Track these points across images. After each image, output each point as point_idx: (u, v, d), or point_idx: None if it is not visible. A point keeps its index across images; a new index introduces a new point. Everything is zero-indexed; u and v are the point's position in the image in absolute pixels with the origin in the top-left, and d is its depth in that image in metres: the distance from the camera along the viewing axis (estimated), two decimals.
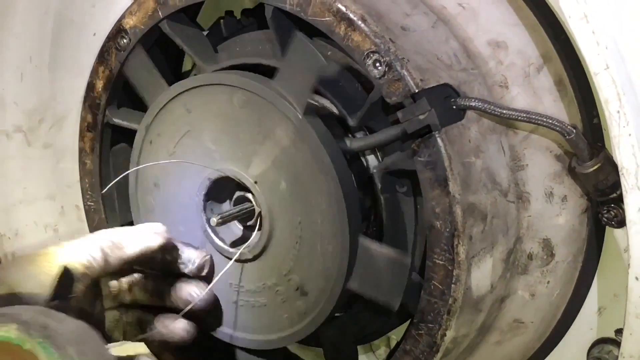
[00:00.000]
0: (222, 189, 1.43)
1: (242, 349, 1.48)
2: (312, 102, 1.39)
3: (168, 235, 1.33)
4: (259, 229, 1.37)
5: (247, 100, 1.34)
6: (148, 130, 1.49)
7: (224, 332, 1.46)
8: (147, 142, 1.51)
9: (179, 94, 1.43)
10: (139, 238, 1.30)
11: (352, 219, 1.27)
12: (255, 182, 1.35)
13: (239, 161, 1.37)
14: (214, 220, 1.37)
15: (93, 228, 1.71)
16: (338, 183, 1.26)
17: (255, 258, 1.38)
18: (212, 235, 1.43)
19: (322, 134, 1.28)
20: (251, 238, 1.38)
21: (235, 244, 1.43)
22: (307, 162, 1.29)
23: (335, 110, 1.35)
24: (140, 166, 1.49)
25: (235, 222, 1.44)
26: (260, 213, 1.36)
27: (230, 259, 1.39)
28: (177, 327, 1.34)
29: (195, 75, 1.57)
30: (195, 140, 1.43)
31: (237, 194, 1.42)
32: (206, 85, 1.39)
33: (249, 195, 1.38)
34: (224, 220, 1.38)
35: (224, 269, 1.37)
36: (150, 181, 1.50)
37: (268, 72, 1.39)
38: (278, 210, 1.34)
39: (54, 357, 0.90)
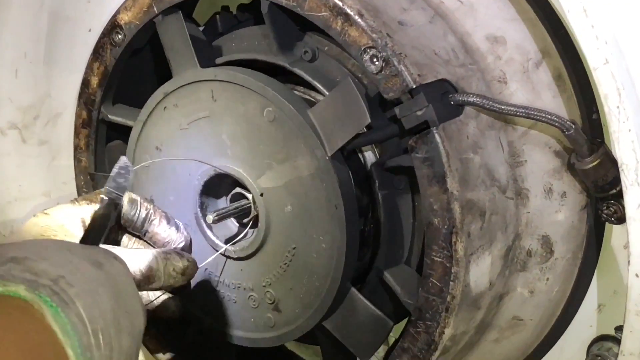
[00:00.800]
0: (222, 182, 1.42)
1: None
2: (309, 98, 1.39)
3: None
4: (253, 228, 1.37)
5: (278, 117, 1.31)
6: (165, 97, 1.45)
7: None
8: (160, 107, 1.47)
9: (209, 80, 1.40)
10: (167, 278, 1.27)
11: (347, 268, 1.28)
12: (262, 195, 1.34)
13: (251, 168, 1.36)
14: (210, 217, 1.36)
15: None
16: (345, 234, 1.26)
17: (239, 259, 1.39)
18: (204, 226, 1.43)
19: (343, 181, 1.27)
20: (242, 236, 1.40)
21: (227, 241, 1.42)
22: (319, 202, 1.28)
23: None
24: (141, 165, 1.47)
25: (231, 219, 1.43)
26: (257, 216, 1.37)
27: (216, 250, 1.41)
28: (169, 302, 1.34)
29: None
30: (212, 127, 1.41)
31: (235, 190, 1.41)
32: (239, 85, 1.36)
33: (247, 194, 1.37)
34: (220, 217, 1.37)
35: (208, 259, 1.39)
36: (153, 143, 1.49)
37: (264, 68, 1.39)
38: (276, 228, 1.34)
39: (59, 316, 0.91)
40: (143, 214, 1.30)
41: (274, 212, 1.33)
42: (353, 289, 1.31)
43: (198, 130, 1.42)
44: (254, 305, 1.38)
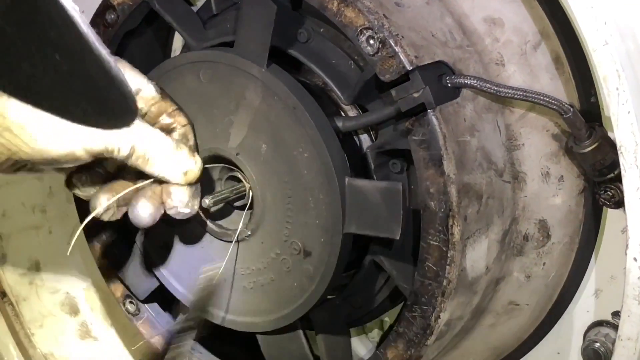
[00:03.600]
0: (211, 170, 1.41)
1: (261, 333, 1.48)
2: (305, 80, 1.38)
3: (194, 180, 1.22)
4: (250, 207, 1.36)
5: (212, 73, 1.33)
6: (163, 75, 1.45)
7: (240, 321, 1.46)
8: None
9: (194, 61, 1.39)
10: (167, 171, 1.19)
11: (336, 161, 1.25)
12: (237, 154, 1.34)
13: (217, 137, 1.36)
14: (205, 201, 1.34)
15: (81, 209, 1.69)
16: (314, 126, 1.24)
17: (253, 233, 1.37)
18: (207, 221, 1.42)
19: (288, 81, 1.27)
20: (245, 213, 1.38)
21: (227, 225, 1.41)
22: (280, 115, 1.28)
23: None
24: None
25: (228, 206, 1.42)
26: (250, 189, 1.35)
27: (230, 241, 1.39)
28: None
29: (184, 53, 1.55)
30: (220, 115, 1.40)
31: (228, 175, 1.40)
32: (171, 70, 1.38)
33: (238, 174, 1.36)
34: (216, 201, 1.35)
35: (229, 250, 1.38)
36: None
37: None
38: (265, 175, 1.33)
39: None
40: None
41: (256, 161, 1.33)
42: (348, 177, 1.26)
43: (229, 107, 1.39)
44: (288, 268, 1.35)
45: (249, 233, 1.37)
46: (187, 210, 1.23)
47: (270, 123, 1.29)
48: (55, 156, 1.05)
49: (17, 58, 0.78)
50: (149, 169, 1.17)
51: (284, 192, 1.31)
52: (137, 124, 1.13)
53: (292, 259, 1.33)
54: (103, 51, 0.88)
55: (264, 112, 1.29)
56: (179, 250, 1.50)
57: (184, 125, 1.25)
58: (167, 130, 1.23)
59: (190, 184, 1.21)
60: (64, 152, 1.06)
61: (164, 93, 1.24)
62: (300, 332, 1.43)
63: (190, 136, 1.26)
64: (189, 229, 1.45)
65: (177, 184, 1.20)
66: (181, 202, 1.22)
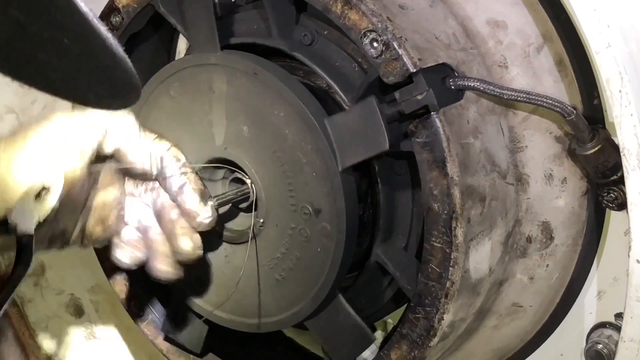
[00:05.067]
0: (212, 178, 1.42)
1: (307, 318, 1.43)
2: (308, 82, 1.38)
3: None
4: (256, 208, 1.36)
5: (179, 84, 1.38)
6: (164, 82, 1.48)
7: (286, 317, 1.43)
8: (158, 92, 1.49)
9: (159, 84, 1.45)
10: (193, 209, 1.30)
11: (309, 106, 1.27)
12: (226, 148, 1.35)
13: (204, 142, 1.38)
14: (210, 203, 1.35)
15: None
16: (278, 81, 1.27)
17: (265, 221, 1.36)
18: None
19: (243, 54, 1.33)
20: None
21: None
22: (246, 88, 1.31)
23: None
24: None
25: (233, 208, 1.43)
26: (252, 183, 1.36)
27: (251, 238, 1.39)
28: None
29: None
30: (215, 113, 1.41)
31: (230, 177, 1.41)
32: (148, 98, 1.43)
33: (239, 175, 1.37)
34: (220, 204, 1.36)
35: (246, 248, 1.38)
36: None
37: (264, 52, 1.38)
38: (256, 156, 1.34)
39: None
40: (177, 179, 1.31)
41: (244, 147, 1.35)
42: (327, 118, 1.26)
43: (204, 110, 1.41)
44: (306, 238, 1.33)
45: (262, 222, 1.36)
46: (208, 214, 1.31)
47: (242, 102, 1.31)
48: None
49: (32, 47, 0.79)
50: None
51: (277, 163, 1.31)
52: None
53: (307, 224, 1.32)
54: (103, 29, 0.89)
55: (233, 94, 1.32)
56: (209, 275, 1.50)
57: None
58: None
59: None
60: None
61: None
62: (341, 297, 1.38)
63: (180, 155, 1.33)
64: (208, 248, 1.43)
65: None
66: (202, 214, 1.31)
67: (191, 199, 1.30)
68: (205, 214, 1.31)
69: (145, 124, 1.37)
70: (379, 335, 1.83)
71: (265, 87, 1.28)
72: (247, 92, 1.30)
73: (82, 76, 0.85)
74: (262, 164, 1.33)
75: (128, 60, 0.90)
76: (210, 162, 1.39)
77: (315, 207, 1.29)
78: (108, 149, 1.27)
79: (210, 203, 1.32)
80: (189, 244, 1.31)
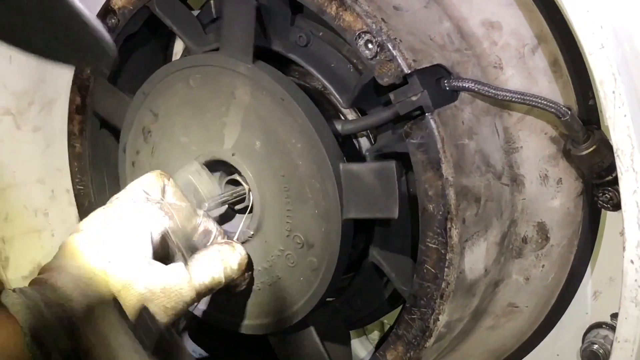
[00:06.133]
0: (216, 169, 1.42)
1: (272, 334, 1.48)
2: (304, 83, 1.38)
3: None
4: (251, 210, 1.36)
5: (201, 77, 1.35)
6: (127, 153, 1.52)
7: (252, 324, 1.46)
8: (129, 166, 1.53)
9: (142, 102, 1.45)
10: (228, 277, 1.30)
11: (328, 147, 1.26)
12: (233, 154, 1.35)
13: (212, 141, 1.38)
14: (205, 205, 1.35)
15: (82, 212, 1.70)
16: (303, 115, 1.26)
17: (255, 233, 1.37)
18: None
19: (274, 74, 1.29)
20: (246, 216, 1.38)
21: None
22: (269, 109, 1.29)
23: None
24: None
25: (227, 208, 1.43)
26: (249, 190, 1.36)
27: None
28: None
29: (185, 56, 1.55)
30: (169, 141, 1.44)
31: (227, 178, 1.41)
32: (162, 81, 1.41)
33: (237, 177, 1.37)
34: (216, 205, 1.36)
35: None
36: (146, 129, 1.50)
37: (258, 53, 1.38)
38: (261, 172, 1.34)
39: None
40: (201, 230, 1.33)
41: (251, 159, 1.35)
42: (341, 163, 1.27)
43: (162, 156, 1.45)
44: (293, 263, 1.35)
45: (252, 233, 1.37)
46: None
47: (261, 118, 1.30)
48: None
49: (11, 12, 0.81)
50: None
51: (282, 186, 1.32)
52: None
53: (296, 253, 1.33)
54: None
55: (254, 108, 1.31)
56: None
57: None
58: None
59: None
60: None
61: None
62: (312, 328, 1.42)
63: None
64: None
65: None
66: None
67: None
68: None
69: (153, 102, 1.42)
70: (375, 335, 1.83)
71: (289, 114, 1.27)
72: (268, 112, 1.29)
73: (51, 38, 0.87)
74: (266, 181, 1.33)
75: (100, 29, 0.92)
76: (214, 161, 1.39)
77: (309, 241, 1.31)
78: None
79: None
80: None
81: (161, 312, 1.18)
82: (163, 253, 1.25)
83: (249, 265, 1.34)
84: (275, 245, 1.36)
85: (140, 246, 1.20)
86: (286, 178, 1.31)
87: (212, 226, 1.32)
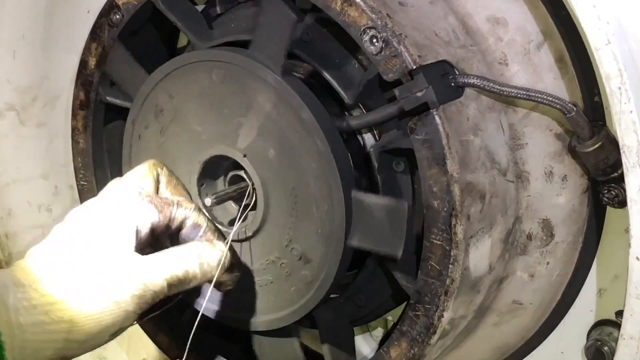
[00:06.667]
0: (215, 168, 1.41)
1: (258, 332, 1.49)
2: (309, 80, 1.38)
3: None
4: (253, 208, 1.36)
5: (225, 73, 1.34)
6: (135, 125, 1.50)
7: (236, 318, 1.47)
8: (135, 138, 1.51)
9: (160, 80, 1.43)
10: (205, 274, 1.26)
11: (343, 174, 1.26)
12: (245, 156, 1.34)
13: (226, 137, 1.37)
14: (208, 200, 1.35)
15: None
16: (324, 139, 1.25)
17: (254, 234, 1.37)
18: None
19: (302, 91, 1.27)
20: (246, 215, 1.38)
21: (231, 223, 1.41)
22: (291, 123, 1.28)
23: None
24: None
25: (230, 202, 1.42)
26: (254, 189, 1.35)
27: (238, 241, 1.39)
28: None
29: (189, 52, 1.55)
30: (181, 125, 1.42)
31: (231, 173, 1.41)
32: (184, 66, 1.39)
33: (242, 174, 1.37)
34: (219, 200, 1.36)
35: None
36: (151, 125, 1.49)
37: None
38: (270, 180, 1.33)
39: None
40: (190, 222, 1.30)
41: (262, 165, 1.34)
42: (354, 191, 1.27)
43: (172, 137, 1.44)
44: (287, 273, 1.35)
45: (250, 234, 1.37)
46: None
47: (280, 130, 1.29)
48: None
49: None
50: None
51: (289, 199, 1.32)
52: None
53: (292, 264, 1.34)
54: None
55: (274, 118, 1.30)
56: None
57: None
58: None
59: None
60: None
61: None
62: (296, 339, 1.45)
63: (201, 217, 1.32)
64: None
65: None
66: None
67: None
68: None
69: (174, 83, 1.41)
70: (379, 332, 1.83)
71: (309, 135, 1.26)
72: (289, 126, 1.29)
73: None
74: (274, 191, 1.33)
75: None
76: (222, 157, 1.39)
77: (307, 256, 1.32)
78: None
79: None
80: None
81: (128, 300, 1.17)
82: (151, 246, 1.25)
83: (234, 265, 1.32)
84: (272, 252, 1.36)
85: (121, 239, 1.20)
86: (295, 192, 1.31)
87: (202, 220, 1.30)
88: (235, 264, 1.32)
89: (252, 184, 1.36)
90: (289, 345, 1.46)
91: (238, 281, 1.33)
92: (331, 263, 1.29)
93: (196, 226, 1.29)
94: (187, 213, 1.28)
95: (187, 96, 1.40)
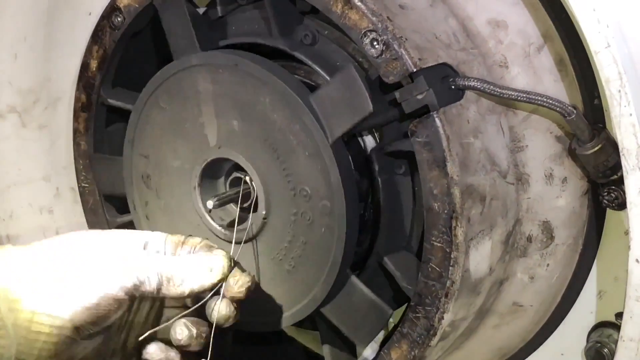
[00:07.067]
0: (220, 165, 1.43)
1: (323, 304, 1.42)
2: (310, 82, 1.38)
3: (225, 270, 1.26)
4: (255, 210, 1.36)
5: (166, 93, 1.43)
6: (137, 208, 1.56)
7: (303, 305, 1.40)
8: (144, 219, 1.56)
9: (132, 149, 1.50)
10: (195, 276, 1.24)
11: (290, 82, 1.28)
12: (219, 147, 1.37)
13: (201, 146, 1.40)
14: (210, 202, 1.35)
15: (88, 209, 1.70)
16: (260, 68, 1.28)
17: (268, 213, 1.36)
18: (214, 224, 1.44)
19: (221, 49, 1.37)
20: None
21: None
22: (230, 82, 1.33)
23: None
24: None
25: (232, 205, 1.43)
26: (251, 180, 1.36)
27: (248, 240, 1.39)
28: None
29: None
30: (166, 174, 1.47)
31: (231, 177, 1.41)
32: (140, 117, 1.47)
33: (241, 174, 1.37)
34: (221, 202, 1.36)
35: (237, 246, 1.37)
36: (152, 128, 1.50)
37: (264, 51, 1.38)
38: (249, 149, 1.34)
39: None
40: None
41: (234, 141, 1.36)
42: (311, 94, 1.27)
43: (194, 114, 1.43)
44: (310, 220, 1.32)
45: (264, 213, 1.36)
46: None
47: (228, 96, 1.33)
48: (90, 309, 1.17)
49: None
50: (181, 288, 1.23)
51: (270, 149, 1.32)
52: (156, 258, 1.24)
53: (308, 207, 1.31)
54: None
55: (218, 92, 1.33)
56: None
57: (199, 243, 1.31)
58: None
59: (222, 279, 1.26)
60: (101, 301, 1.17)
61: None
62: (353, 277, 1.37)
63: (211, 244, 1.32)
64: None
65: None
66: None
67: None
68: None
69: (141, 142, 1.45)
70: (380, 334, 1.83)
71: (248, 76, 1.29)
72: (231, 86, 1.31)
73: None
74: (256, 154, 1.33)
75: None
76: (210, 164, 1.40)
77: (313, 187, 1.29)
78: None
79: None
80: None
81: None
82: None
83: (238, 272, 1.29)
84: (288, 212, 1.34)
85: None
86: (270, 139, 1.31)
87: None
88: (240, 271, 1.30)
89: (248, 177, 1.37)
90: (353, 288, 1.38)
91: (251, 289, 1.29)
92: (332, 171, 1.26)
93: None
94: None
95: (155, 144, 1.45)
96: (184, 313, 1.27)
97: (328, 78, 1.36)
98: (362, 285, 1.36)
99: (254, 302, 1.37)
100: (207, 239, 1.33)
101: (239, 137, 1.34)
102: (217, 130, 1.36)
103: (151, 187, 1.49)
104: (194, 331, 1.27)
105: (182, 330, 1.27)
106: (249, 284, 1.26)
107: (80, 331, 1.17)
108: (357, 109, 1.22)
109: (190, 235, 1.31)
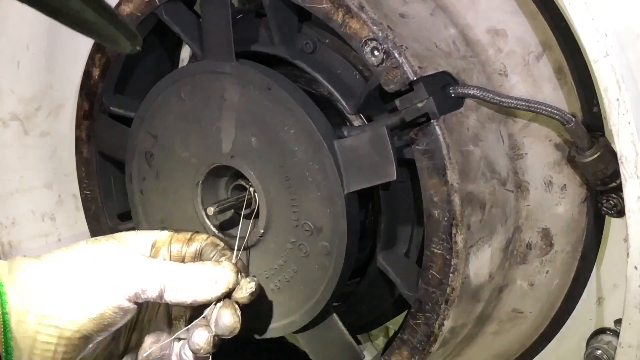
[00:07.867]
0: (219, 175, 1.43)
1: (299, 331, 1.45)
2: (310, 90, 1.39)
3: (230, 284, 1.24)
4: (256, 216, 1.37)
5: (191, 87, 1.38)
6: (134, 182, 1.55)
7: (277, 326, 1.43)
8: (138, 195, 1.56)
9: (141, 126, 1.49)
10: (199, 288, 1.23)
11: (320, 126, 1.27)
12: (232, 157, 1.36)
13: (212, 148, 1.39)
14: (210, 209, 1.36)
15: (90, 217, 1.71)
16: (291, 99, 1.27)
17: (266, 231, 1.37)
18: (208, 223, 1.44)
19: (258, 66, 1.32)
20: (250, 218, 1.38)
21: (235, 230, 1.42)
22: (259, 101, 1.31)
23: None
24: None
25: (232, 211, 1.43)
26: (254, 192, 1.36)
27: (244, 248, 1.38)
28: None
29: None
30: (171, 160, 1.46)
31: (232, 185, 1.42)
32: (156, 99, 1.44)
33: (245, 184, 1.38)
34: (221, 209, 1.37)
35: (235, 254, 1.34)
36: (153, 133, 1.51)
37: (265, 60, 1.39)
38: (261, 167, 1.34)
39: None
40: None
41: (250, 157, 1.35)
42: (336, 141, 1.27)
43: (167, 174, 1.47)
44: (305, 253, 1.33)
45: (262, 231, 1.37)
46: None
47: (252, 114, 1.32)
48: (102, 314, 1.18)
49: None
50: (184, 298, 1.23)
51: (283, 177, 1.32)
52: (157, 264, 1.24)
53: (307, 241, 1.32)
54: None
55: (244, 105, 1.32)
56: None
57: (205, 240, 1.31)
58: (197, 254, 1.31)
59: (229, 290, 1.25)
60: (106, 311, 1.18)
61: (176, 230, 1.33)
62: (335, 315, 1.39)
63: (217, 242, 1.32)
64: None
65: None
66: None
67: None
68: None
69: (152, 122, 1.43)
70: (380, 341, 1.84)
71: (278, 102, 1.28)
72: (258, 105, 1.31)
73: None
74: (268, 176, 1.34)
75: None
76: (217, 168, 1.40)
77: (317, 225, 1.30)
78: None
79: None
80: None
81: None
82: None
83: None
84: (286, 239, 1.35)
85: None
86: (285, 166, 1.31)
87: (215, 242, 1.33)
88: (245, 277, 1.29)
89: (252, 188, 1.37)
90: (332, 325, 1.41)
91: (255, 294, 1.28)
92: (340, 219, 1.27)
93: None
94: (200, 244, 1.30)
95: (167, 128, 1.45)
96: (194, 322, 1.26)
97: (329, 86, 1.36)
98: (342, 325, 1.38)
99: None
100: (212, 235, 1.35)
101: (254, 154, 1.34)
102: (233, 139, 1.35)
103: (152, 165, 1.49)
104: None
105: (202, 335, 1.25)
106: (253, 289, 1.26)
107: (89, 339, 1.18)
108: (380, 172, 1.23)
109: (197, 232, 1.32)
